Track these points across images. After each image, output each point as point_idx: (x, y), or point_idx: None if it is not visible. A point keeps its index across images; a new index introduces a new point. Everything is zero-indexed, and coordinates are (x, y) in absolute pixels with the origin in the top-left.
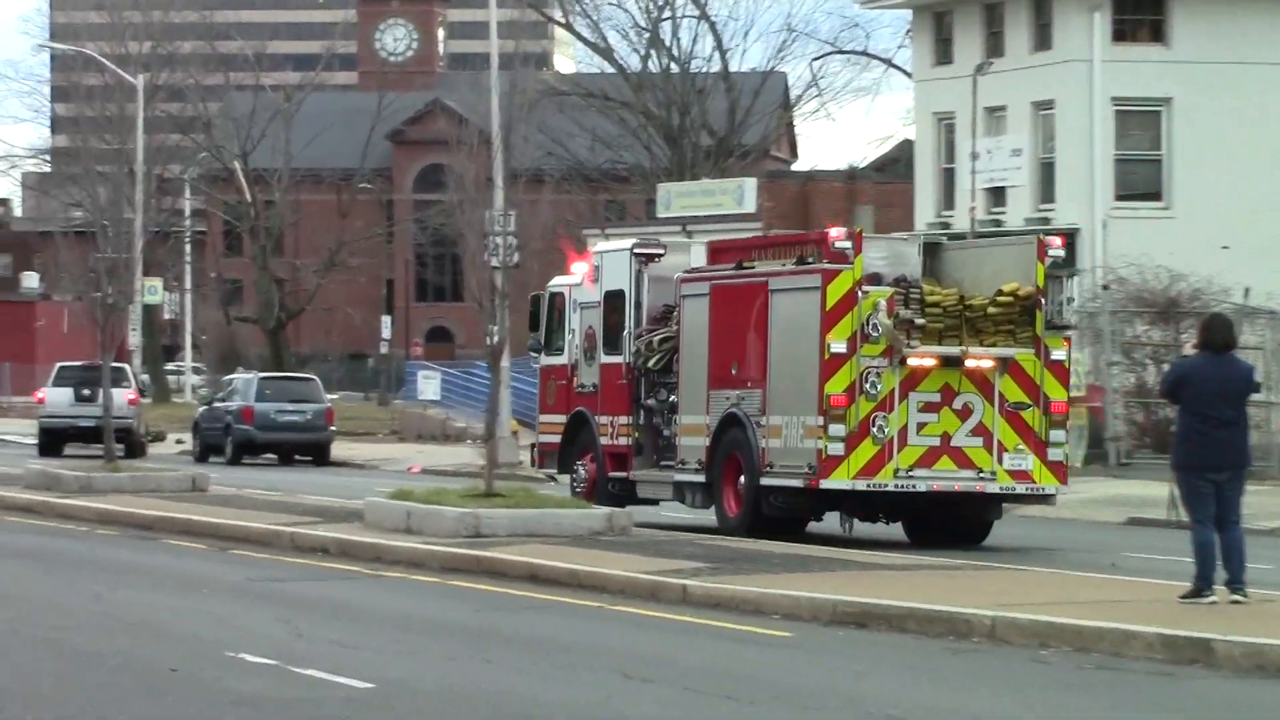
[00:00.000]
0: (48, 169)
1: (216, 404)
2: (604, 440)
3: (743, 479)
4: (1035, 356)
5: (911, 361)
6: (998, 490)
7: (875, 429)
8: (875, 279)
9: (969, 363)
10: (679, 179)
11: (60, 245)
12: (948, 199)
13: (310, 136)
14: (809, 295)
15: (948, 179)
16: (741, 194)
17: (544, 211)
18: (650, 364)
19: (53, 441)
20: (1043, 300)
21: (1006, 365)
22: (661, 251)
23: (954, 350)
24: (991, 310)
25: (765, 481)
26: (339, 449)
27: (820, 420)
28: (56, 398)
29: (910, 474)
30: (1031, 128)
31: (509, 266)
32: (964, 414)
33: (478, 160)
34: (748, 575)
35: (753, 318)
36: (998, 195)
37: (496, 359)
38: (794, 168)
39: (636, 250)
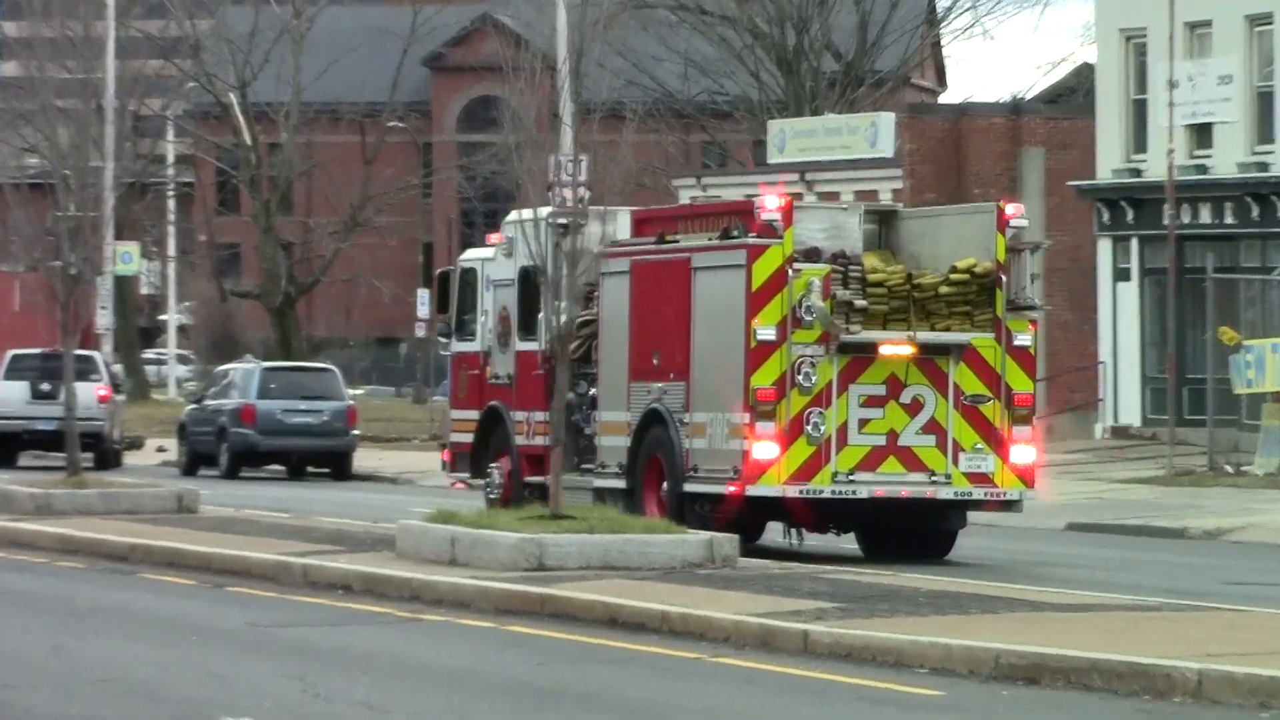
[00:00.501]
0: None
1: (208, 402)
2: (520, 440)
3: (665, 485)
4: (996, 342)
5: (851, 349)
6: (952, 496)
7: (810, 427)
8: (814, 254)
9: (918, 349)
10: (796, 114)
11: (9, 200)
12: (1139, 139)
13: (326, 63)
14: (733, 274)
15: (1138, 113)
16: (875, 133)
17: (625, 156)
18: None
19: (3, 449)
20: (1003, 277)
21: (962, 352)
22: (582, 221)
23: (899, 335)
24: (944, 290)
25: (688, 488)
26: (364, 458)
27: (746, 417)
28: (7, 394)
29: (851, 478)
30: (1244, 48)
31: (580, 226)
32: (913, 409)
33: (540, 91)
34: (885, 618)
35: (675, 299)
36: (1203, 134)
37: (564, 344)
38: (942, 100)
39: (553, 219)
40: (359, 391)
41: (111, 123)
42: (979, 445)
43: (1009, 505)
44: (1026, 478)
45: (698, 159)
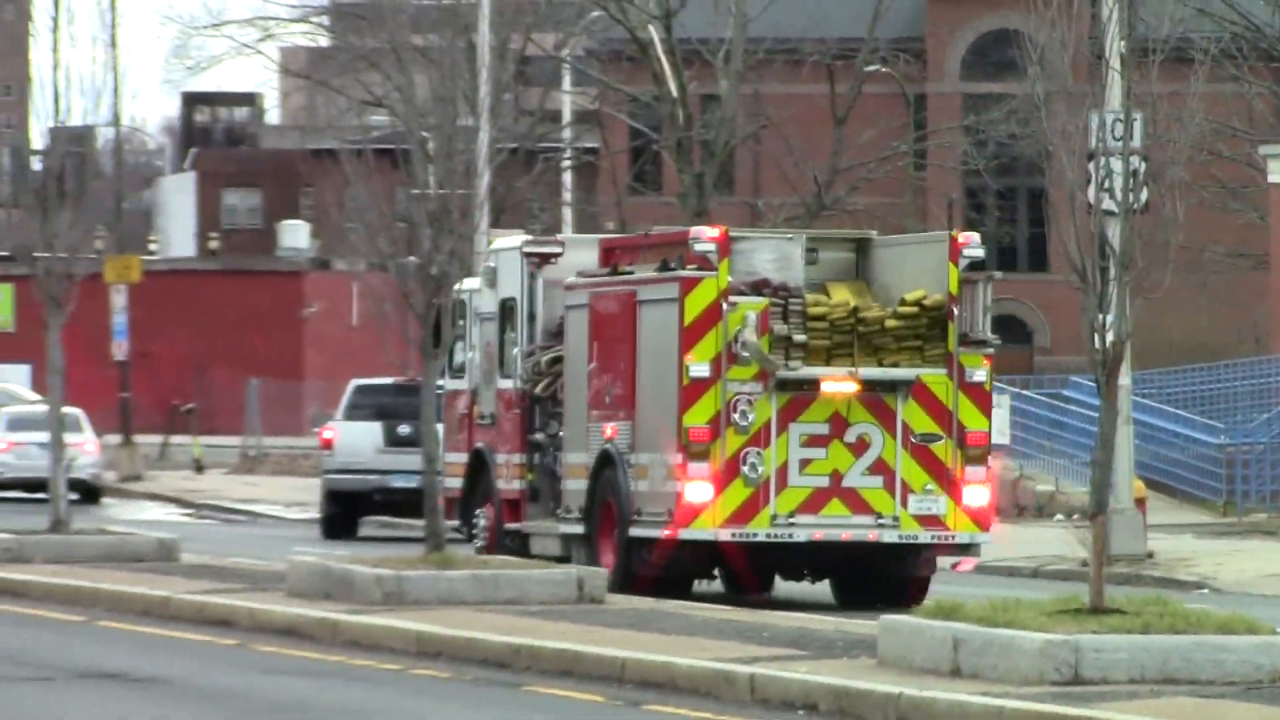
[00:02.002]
0: (325, 42)
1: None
2: (500, 484)
3: (617, 530)
4: (948, 378)
5: (790, 386)
6: (897, 539)
7: (746, 468)
8: (763, 286)
9: (862, 386)
10: None
11: (347, 173)
12: None
13: None
14: (670, 308)
15: None
16: None
17: (1193, 113)
18: (539, 390)
19: (345, 513)
20: (955, 310)
21: (910, 389)
22: (558, 250)
23: (841, 371)
24: (891, 324)
25: (633, 532)
26: None
27: (679, 457)
28: (352, 440)
29: (790, 521)
30: None
31: (1133, 210)
32: (859, 448)
33: (1077, 22)
34: None
35: (624, 335)
36: None
37: (1111, 373)
38: None
39: (526, 249)
40: None
41: (488, 67)
42: (930, 486)
43: (962, 549)
44: (981, 521)
45: None
